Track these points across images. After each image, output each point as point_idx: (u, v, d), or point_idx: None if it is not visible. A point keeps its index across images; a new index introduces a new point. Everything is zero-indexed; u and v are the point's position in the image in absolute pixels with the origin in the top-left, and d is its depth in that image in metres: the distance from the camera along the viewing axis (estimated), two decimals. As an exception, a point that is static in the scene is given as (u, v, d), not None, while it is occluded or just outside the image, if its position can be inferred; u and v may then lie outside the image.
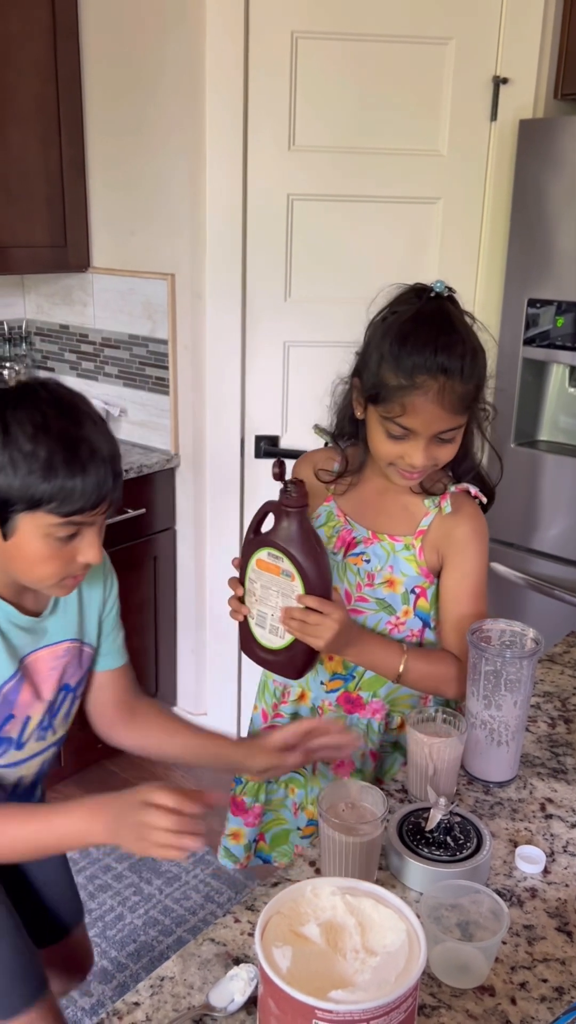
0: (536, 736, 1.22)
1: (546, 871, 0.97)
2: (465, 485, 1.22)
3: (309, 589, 1.10)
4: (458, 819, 0.98)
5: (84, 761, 2.58)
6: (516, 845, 1.01)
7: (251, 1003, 0.80)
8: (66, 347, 2.72)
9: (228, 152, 2.22)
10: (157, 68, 2.25)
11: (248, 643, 1.21)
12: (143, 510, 2.44)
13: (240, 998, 0.80)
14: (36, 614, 1.10)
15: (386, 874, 0.96)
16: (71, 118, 2.41)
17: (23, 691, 1.09)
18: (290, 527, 1.11)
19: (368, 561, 1.24)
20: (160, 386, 2.50)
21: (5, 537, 0.97)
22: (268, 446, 2.45)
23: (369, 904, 0.73)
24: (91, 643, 1.19)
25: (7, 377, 2.62)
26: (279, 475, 1.11)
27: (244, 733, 2.70)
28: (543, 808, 1.08)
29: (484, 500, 1.23)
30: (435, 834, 0.96)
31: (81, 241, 2.52)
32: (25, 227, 2.36)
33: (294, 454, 2.44)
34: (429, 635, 1.26)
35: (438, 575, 1.24)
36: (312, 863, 0.98)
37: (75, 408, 0.96)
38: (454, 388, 1.08)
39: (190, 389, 2.43)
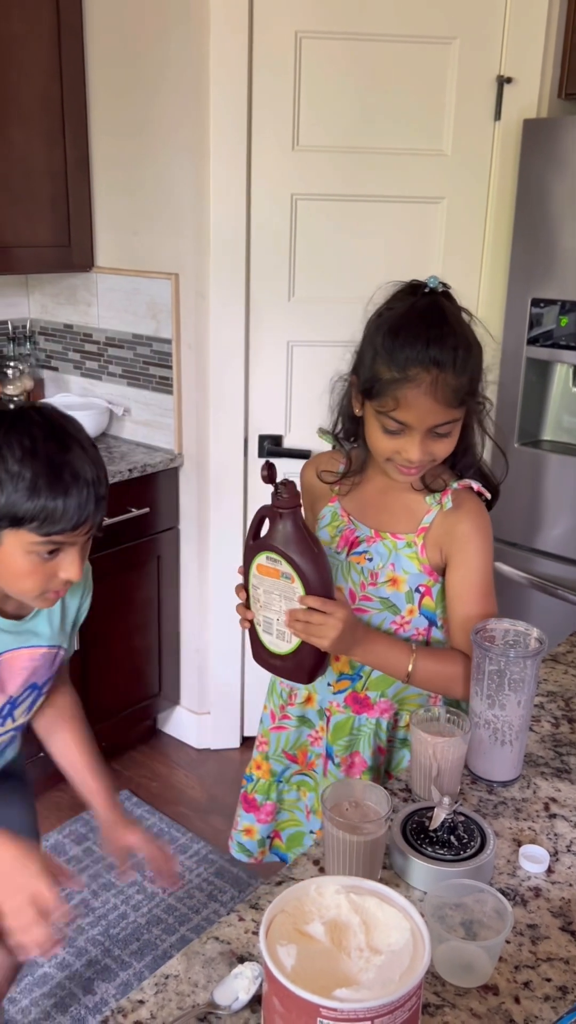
0: (540, 736, 1.22)
1: (550, 871, 0.97)
2: (467, 481, 1.22)
3: (309, 589, 1.10)
4: (462, 818, 0.98)
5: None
6: (520, 844, 1.01)
7: (255, 1001, 0.80)
8: (70, 346, 2.73)
9: (232, 152, 2.22)
10: (161, 68, 2.25)
11: (258, 651, 1.20)
12: (147, 509, 2.45)
13: (244, 996, 0.80)
14: (19, 618, 1.14)
15: (390, 873, 0.96)
16: (75, 118, 2.41)
17: None
18: (284, 529, 1.11)
19: (371, 560, 1.24)
20: (164, 385, 2.50)
21: None
22: (271, 446, 2.46)
23: (373, 903, 0.73)
24: (65, 647, 1.24)
25: (11, 376, 2.62)
26: (268, 478, 1.10)
27: (248, 732, 2.71)
28: (547, 808, 1.08)
29: (488, 496, 1.23)
30: (439, 833, 0.96)
31: (85, 241, 2.52)
32: (29, 227, 2.37)
33: (297, 454, 2.45)
34: (436, 634, 1.26)
35: (443, 573, 1.23)
36: (316, 862, 0.99)
37: (64, 433, 1.01)
38: (447, 381, 1.09)
39: (194, 389, 2.43)
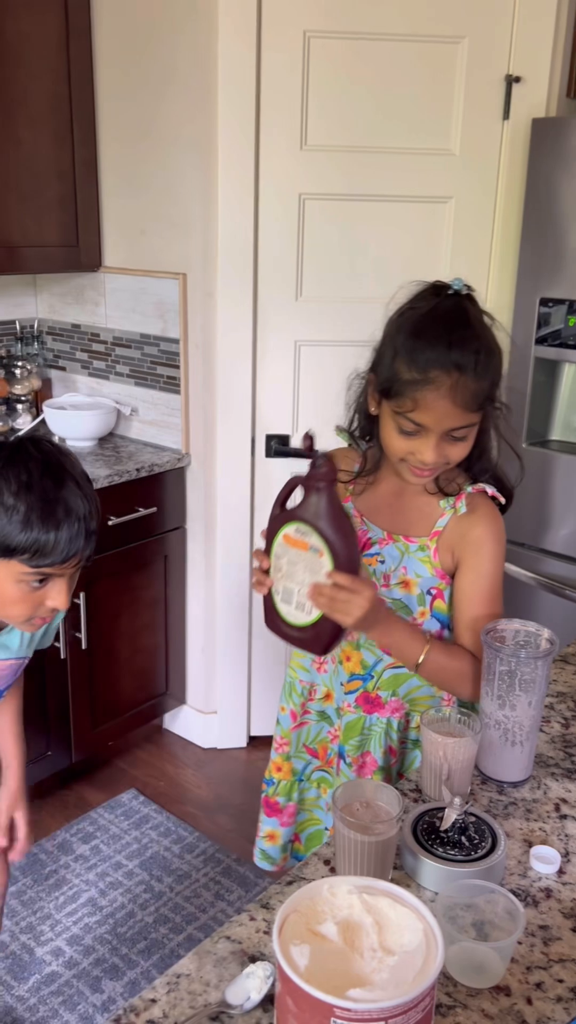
0: (550, 736, 1.22)
1: (561, 871, 0.97)
2: (482, 485, 1.21)
3: (338, 565, 1.08)
4: (472, 819, 0.98)
5: (94, 759, 2.59)
6: (531, 845, 1.01)
7: (267, 1001, 0.80)
8: (78, 346, 2.73)
9: (240, 151, 2.22)
10: (169, 68, 2.25)
11: (272, 619, 1.18)
12: (154, 509, 2.45)
13: (256, 996, 0.80)
14: None
15: (400, 874, 0.96)
16: (83, 118, 2.41)
17: None
18: (318, 502, 1.08)
19: (383, 562, 1.24)
20: (171, 385, 2.50)
21: None
22: (278, 445, 2.46)
23: (386, 903, 0.73)
24: (30, 656, 1.29)
25: (19, 376, 2.63)
26: (309, 448, 1.08)
27: (255, 732, 2.71)
28: (557, 808, 1.07)
29: (502, 501, 1.23)
30: (450, 834, 0.96)
31: (93, 241, 2.53)
32: (37, 227, 2.37)
33: (304, 454, 2.45)
34: (448, 636, 1.26)
35: (454, 576, 1.23)
36: (327, 862, 0.99)
37: (60, 468, 1.04)
38: (467, 385, 1.08)
39: (201, 388, 2.43)
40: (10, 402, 2.64)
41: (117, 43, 2.35)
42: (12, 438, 1.08)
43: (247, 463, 2.47)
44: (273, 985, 0.79)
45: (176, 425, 2.52)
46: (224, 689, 2.68)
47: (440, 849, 0.95)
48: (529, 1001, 0.81)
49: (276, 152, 2.23)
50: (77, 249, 2.49)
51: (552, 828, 1.04)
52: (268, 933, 0.88)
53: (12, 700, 1.40)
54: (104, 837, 2.31)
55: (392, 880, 0.93)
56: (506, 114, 2.21)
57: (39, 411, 2.64)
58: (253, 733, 2.74)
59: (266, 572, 1.16)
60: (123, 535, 2.40)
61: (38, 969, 1.90)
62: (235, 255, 2.30)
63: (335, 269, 2.33)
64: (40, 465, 1.02)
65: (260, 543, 1.17)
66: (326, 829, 1.37)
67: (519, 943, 0.87)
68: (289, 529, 1.12)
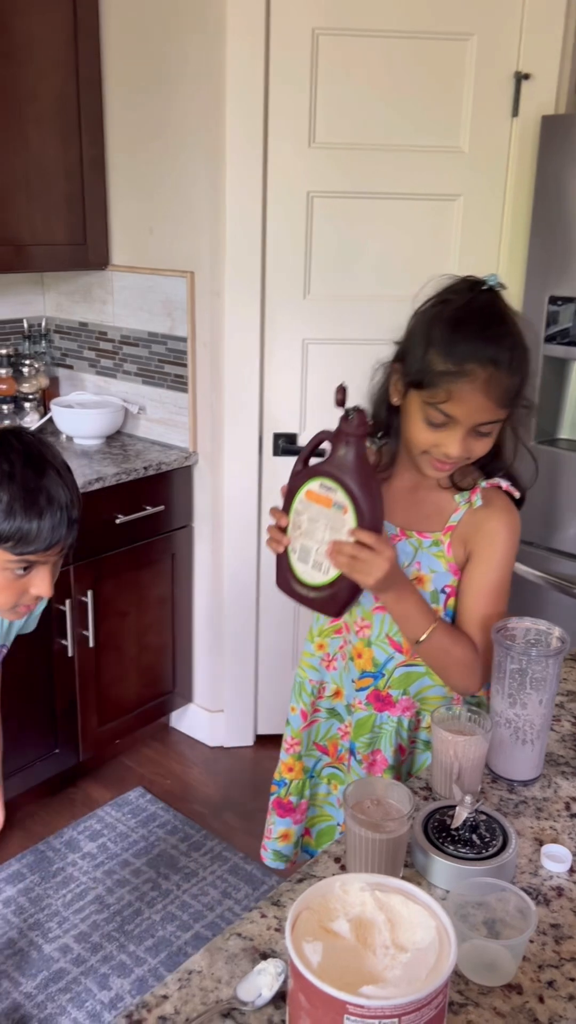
0: (560, 735, 1.22)
1: (572, 870, 0.97)
2: (497, 480, 1.21)
3: (363, 523, 1.05)
4: (483, 817, 0.98)
5: (101, 757, 2.59)
6: (541, 844, 1.00)
7: (279, 997, 0.80)
8: (85, 344, 2.73)
9: (248, 149, 2.22)
10: (177, 66, 2.25)
11: (285, 578, 1.15)
12: (161, 507, 2.45)
13: (268, 992, 0.80)
14: None
15: (411, 871, 0.96)
16: (91, 117, 2.41)
17: None
18: (347, 456, 1.05)
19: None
20: (179, 383, 2.50)
21: None
22: (286, 444, 2.46)
23: (399, 900, 0.73)
24: (8, 645, 1.31)
25: (27, 374, 2.63)
26: (341, 401, 1.06)
27: (262, 731, 2.71)
28: (568, 807, 1.07)
29: (516, 495, 1.22)
30: (461, 832, 0.96)
31: (101, 239, 2.53)
32: (45, 225, 2.37)
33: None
34: None
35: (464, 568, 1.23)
36: (337, 859, 0.99)
37: (41, 459, 1.07)
38: (501, 380, 1.08)
39: (209, 387, 2.43)
40: (18, 400, 2.64)
41: (125, 42, 2.35)
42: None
43: (255, 461, 2.47)
44: (285, 982, 0.79)
45: (184, 423, 2.52)
46: (231, 687, 2.68)
47: (451, 847, 0.95)
48: (541, 999, 0.81)
49: (284, 150, 2.23)
50: (85, 247, 2.50)
51: (563, 827, 1.04)
52: (279, 930, 0.88)
53: None
54: (111, 835, 2.31)
55: (403, 878, 0.93)
56: (515, 111, 2.21)
57: (47, 409, 2.64)
58: (260, 731, 2.74)
59: (283, 530, 1.14)
60: (131, 533, 2.40)
61: (46, 966, 1.91)
62: (243, 253, 2.29)
63: (343, 267, 2.33)
64: (22, 456, 1.05)
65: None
66: (338, 825, 1.37)
67: (531, 941, 0.87)
68: (313, 484, 1.09)
